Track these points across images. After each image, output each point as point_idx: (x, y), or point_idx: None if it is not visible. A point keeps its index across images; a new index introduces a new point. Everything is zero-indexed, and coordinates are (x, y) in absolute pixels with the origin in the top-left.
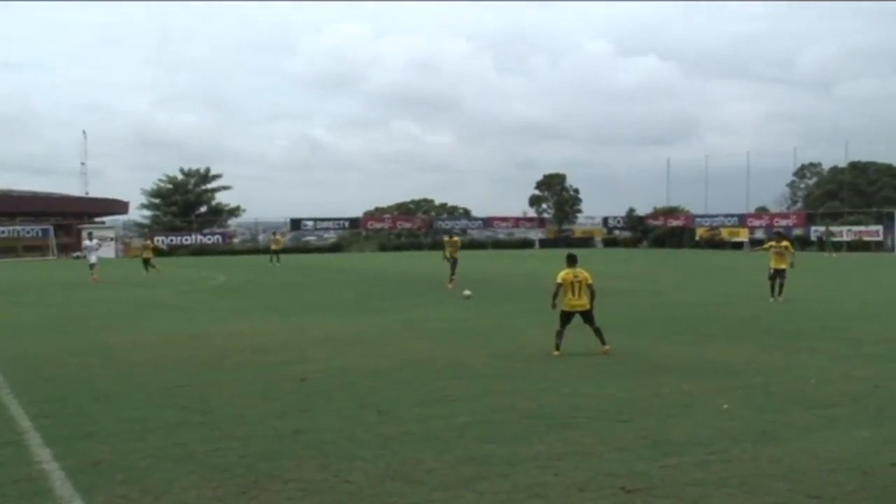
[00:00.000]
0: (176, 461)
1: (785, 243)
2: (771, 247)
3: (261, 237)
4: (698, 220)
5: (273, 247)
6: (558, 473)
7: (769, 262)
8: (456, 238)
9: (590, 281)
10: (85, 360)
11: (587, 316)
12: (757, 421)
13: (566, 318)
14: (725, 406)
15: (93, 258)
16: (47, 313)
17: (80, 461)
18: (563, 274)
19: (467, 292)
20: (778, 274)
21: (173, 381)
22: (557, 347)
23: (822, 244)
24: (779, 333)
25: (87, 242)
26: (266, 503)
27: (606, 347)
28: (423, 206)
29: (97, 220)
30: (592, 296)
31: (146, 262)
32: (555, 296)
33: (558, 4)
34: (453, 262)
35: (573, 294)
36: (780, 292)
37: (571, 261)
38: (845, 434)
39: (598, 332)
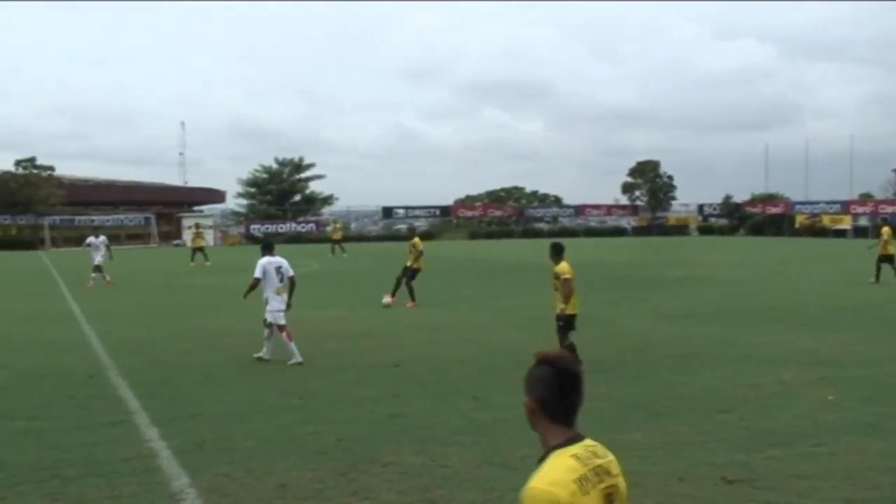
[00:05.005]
0: (276, 443)
1: (886, 229)
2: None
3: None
4: (798, 206)
5: (334, 236)
6: (656, 463)
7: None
8: (417, 240)
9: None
10: (187, 344)
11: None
12: (863, 413)
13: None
14: (830, 397)
15: (98, 258)
16: (150, 300)
17: (186, 441)
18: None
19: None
20: (883, 259)
21: (270, 365)
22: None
23: None
24: (884, 324)
25: (90, 239)
26: (365, 485)
27: None
28: (513, 193)
29: (196, 208)
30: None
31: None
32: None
33: None
34: (409, 275)
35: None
36: (878, 278)
37: (558, 252)
38: None
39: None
